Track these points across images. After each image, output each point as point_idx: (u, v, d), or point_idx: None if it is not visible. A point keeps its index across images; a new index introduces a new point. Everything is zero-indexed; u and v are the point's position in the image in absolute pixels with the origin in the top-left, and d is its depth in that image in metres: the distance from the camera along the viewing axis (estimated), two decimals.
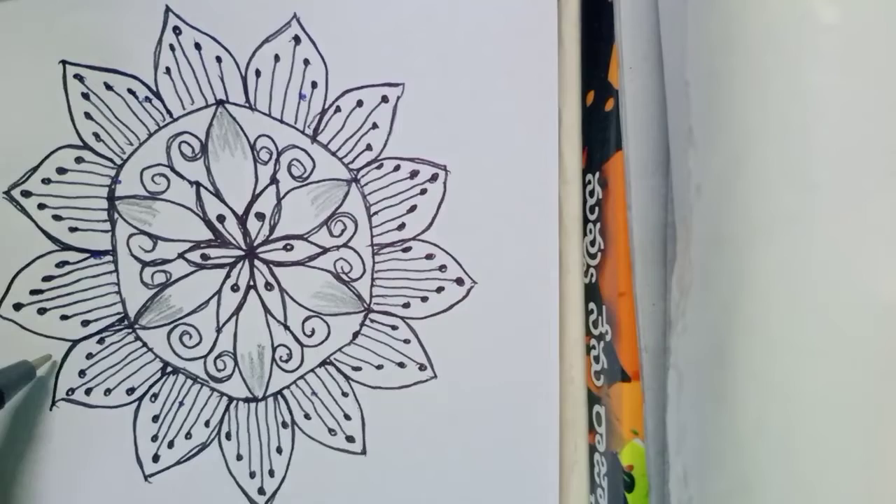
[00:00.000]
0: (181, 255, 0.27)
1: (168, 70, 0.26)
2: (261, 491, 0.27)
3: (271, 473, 0.27)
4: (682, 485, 0.20)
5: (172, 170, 0.27)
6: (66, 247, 0.27)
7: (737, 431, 0.18)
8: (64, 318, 0.27)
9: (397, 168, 0.27)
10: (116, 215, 0.27)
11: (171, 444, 0.27)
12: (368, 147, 0.27)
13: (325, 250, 0.27)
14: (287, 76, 0.26)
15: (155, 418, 0.27)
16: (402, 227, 0.27)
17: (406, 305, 0.27)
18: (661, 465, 0.23)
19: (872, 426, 0.16)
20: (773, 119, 0.17)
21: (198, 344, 0.27)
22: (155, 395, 0.27)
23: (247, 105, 0.27)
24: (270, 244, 0.27)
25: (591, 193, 0.26)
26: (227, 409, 0.28)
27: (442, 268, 0.27)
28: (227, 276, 0.27)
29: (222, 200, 0.27)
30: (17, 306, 0.27)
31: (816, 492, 0.16)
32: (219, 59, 0.26)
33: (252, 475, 0.27)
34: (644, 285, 0.23)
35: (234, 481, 0.27)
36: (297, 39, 0.26)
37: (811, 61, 0.16)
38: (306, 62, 0.26)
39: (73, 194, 0.27)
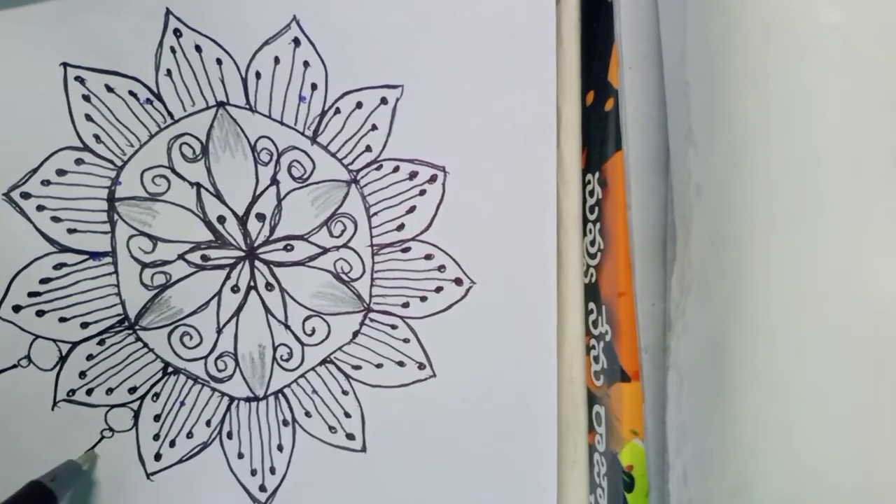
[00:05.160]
0: (181, 257, 0.27)
1: (169, 72, 0.26)
2: (262, 488, 0.28)
3: (272, 471, 0.27)
4: (682, 485, 0.20)
5: (173, 171, 0.27)
6: (64, 248, 0.27)
7: (737, 431, 0.18)
8: (63, 320, 0.27)
9: (396, 169, 0.27)
10: (116, 217, 0.27)
11: (172, 443, 0.28)
12: (368, 148, 0.27)
13: (325, 250, 0.27)
14: (287, 78, 0.26)
15: (157, 417, 0.28)
16: (401, 227, 0.27)
17: (405, 305, 0.27)
18: (661, 465, 0.23)
19: (872, 426, 0.16)
20: (773, 119, 0.17)
21: (198, 344, 0.28)
22: (156, 395, 0.27)
23: (247, 107, 0.27)
24: (271, 245, 0.27)
25: (591, 193, 0.26)
26: (228, 408, 0.28)
27: (441, 268, 0.27)
28: (228, 276, 0.27)
29: (223, 201, 0.27)
30: (16, 308, 0.27)
31: (816, 492, 0.16)
32: (219, 62, 0.26)
33: (253, 473, 0.28)
34: (644, 285, 0.23)
35: (235, 479, 0.28)
36: (296, 42, 0.26)
37: (811, 61, 0.16)
38: (306, 64, 0.26)
39: (72, 196, 0.27)
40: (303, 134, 0.27)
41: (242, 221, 0.27)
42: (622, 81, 0.24)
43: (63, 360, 0.27)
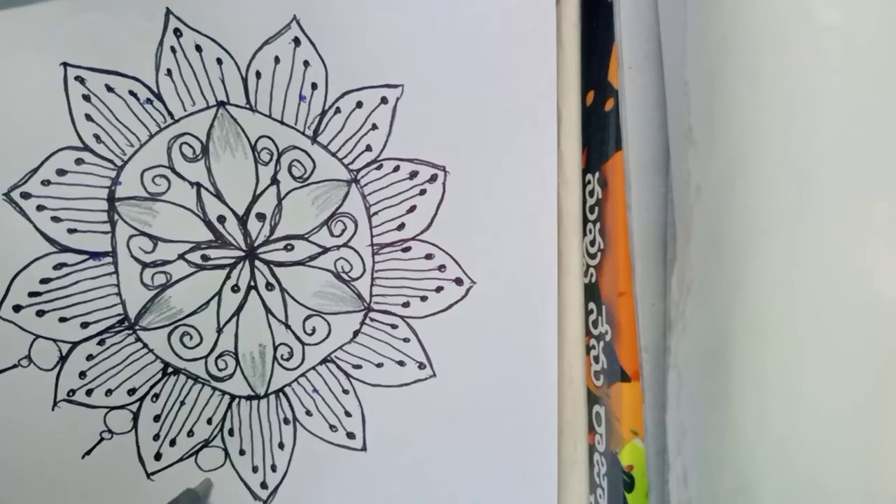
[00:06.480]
0: (181, 256, 0.27)
1: (169, 72, 0.26)
2: (263, 485, 0.28)
3: (273, 468, 0.28)
4: (682, 485, 0.20)
5: (173, 171, 0.27)
6: (64, 248, 0.27)
7: (737, 431, 0.18)
8: (63, 320, 0.27)
9: (397, 169, 0.27)
10: (116, 216, 0.27)
11: (173, 442, 0.28)
12: (368, 148, 0.27)
13: (326, 250, 0.27)
14: (287, 78, 0.26)
15: (156, 418, 0.28)
16: (401, 227, 0.27)
17: (406, 305, 0.27)
18: (661, 465, 0.23)
19: (872, 426, 0.16)
20: (773, 119, 0.17)
21: (199, 344, 0.28)
22: (156, 396, 0.27)
23: (247, 106, 0.27)
24: (271, 244, 0.27)
25: (591, 193, 0.26)
26: (229, 406, 0.28)
27: (441, 268, 0.27)
28: (228, 276, 0.27)
29: (223, 201, 0.27)
30: (17, 308, 0.27)
31: (816, 492, 0.16)
32: (219, 61, 0.26)
33: (255, 470, 0.28)
34: (644, 285, 0.23)
35: (237, 475, 0.28)
36: (296, 41, 0.26)
37: (811, 61, 0.16)
38: (306, 64, 0.26)
39: (72, 196, 0.27)
40: (303, 133, 0.27)
41: (243, 221, 0.27)
42: (622, 81, 0.24)
43: (63, 360, 0.27)
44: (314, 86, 0.26)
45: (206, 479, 0.28)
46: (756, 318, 0.17)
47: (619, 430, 0.24)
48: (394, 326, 0.27)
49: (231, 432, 0.28)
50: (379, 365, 0.27)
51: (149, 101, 0.26)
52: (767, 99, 0.17)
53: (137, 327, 0.27)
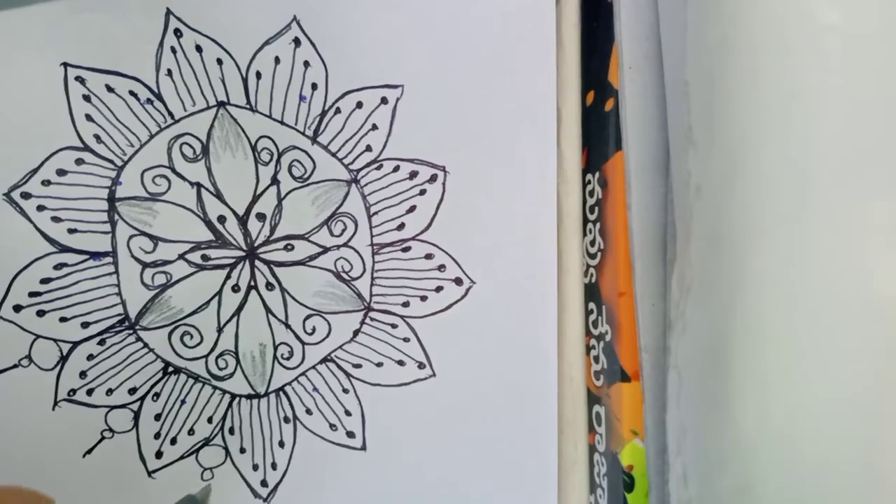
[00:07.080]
0: (182, 256, 0.27)
1: (169, 72, 0.26)
2: (264, 483, 0.28)
3: (274, 466, 0.28)
4: (682, 485, 0.20)
5: (173, 171, 0.27)
6: (64, 248, 0.27)
7: (737, 431, 0.18)
8: (63, 319, 0.27)
9: (397, 169, 0.27)
10: (117, 217, 0.27)
11: (174, 441, 0.28)
12: (368, 148, 0.27)
13: (326, 250, 0.27)
14: (287, 78, 0.26)
15: (157, 416, 0.28)
16: (401, 227, 0.27)
17: (405, 304, 0.27)
18: (661, 465, 0.23)
19: (873, 425, 0.16)
20: (773, 119, 0.17)
21: (199, 344, 0.28)
22: (157, 395, 0.27)
23: (248, 107, 0.27)
24: (271, 244, 0.27)
25: (591, 193, 0.26)
26: (229, 405, 0.28)
27: (441, 267, 0.27)
28: (228, 276, 0.27)
29: (223, 201, 0.27)
30: (17, 308, 0.27)
31: (817, 491, 0.16)
32: (220, 62, 0.26)
33: (255, 468, 0.28)
34: (644, 285, 0.23)
35: (237, 473, 0.28)
36: (297, 42, 0.26)
37: (811, 61, 0.16)
38: (306, 64, 0.26)
39: (72, 196, 0.27)
40: (303, 134, 0.27)
41: (243, 221, 0.27)
42: (622, 81, 0.24)
43: (64, 359, 0.27)
44: (314, 86, 0.26)
45: (206, 485, 0.28)
46: (756, 318, 0.17)
47: (619, 430, 0.24)
48: (394, 326, 0.27)
49: (231, 431, 0.28)
50: (379, 364, 0.27)
51: (149, 101, 0.26)
52: (767, 99, 0.17)
53: (138, 327, 0.27)
